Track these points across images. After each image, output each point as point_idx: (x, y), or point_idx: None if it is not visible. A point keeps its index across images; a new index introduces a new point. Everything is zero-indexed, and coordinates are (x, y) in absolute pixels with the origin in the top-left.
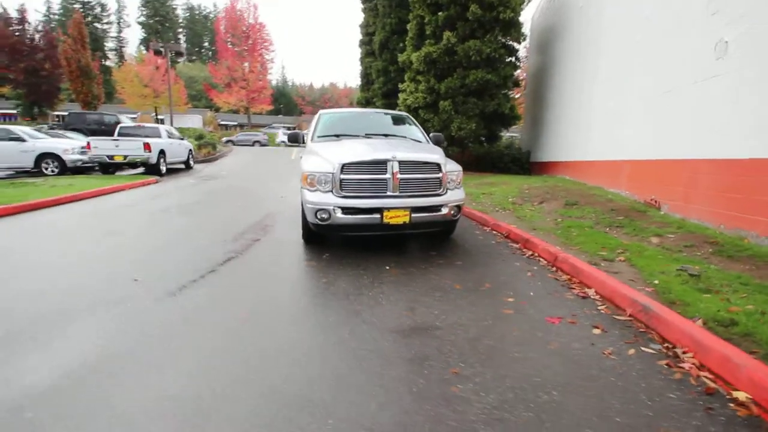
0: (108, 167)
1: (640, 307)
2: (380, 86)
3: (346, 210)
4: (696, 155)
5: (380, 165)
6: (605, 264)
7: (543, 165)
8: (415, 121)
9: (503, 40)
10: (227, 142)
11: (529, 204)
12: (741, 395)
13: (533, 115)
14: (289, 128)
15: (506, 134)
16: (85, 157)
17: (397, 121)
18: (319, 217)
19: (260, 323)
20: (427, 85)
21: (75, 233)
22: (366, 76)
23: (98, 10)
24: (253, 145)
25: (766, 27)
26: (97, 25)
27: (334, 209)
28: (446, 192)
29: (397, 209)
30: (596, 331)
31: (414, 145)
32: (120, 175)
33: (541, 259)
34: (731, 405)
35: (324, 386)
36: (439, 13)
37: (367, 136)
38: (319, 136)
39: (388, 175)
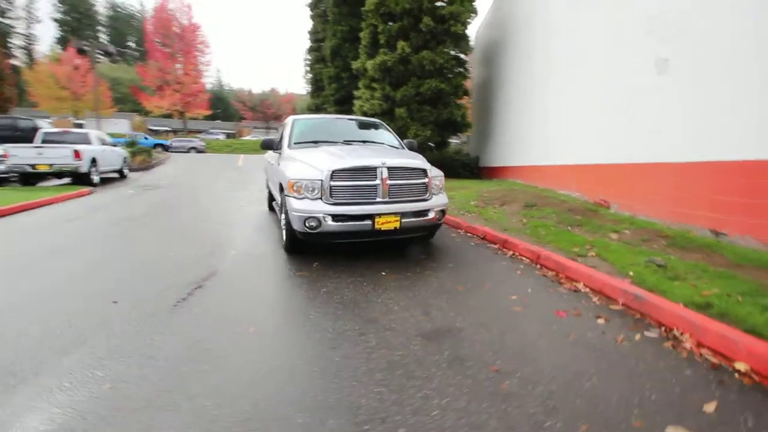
0: (29, 178)
1: (632, 296)
2: (333, 93)
3: (336, 217)
4: (641, 159)
5: (370, 171)
6: (581, 260)
7: (492, 169)
8: (389, 128)
9: (454, 52)
10: (155, 146)
11: (491, 207)
12: (741, 366)
13: (481, 123)
14: (228, 135)
15: (453, 141)
16: (1, 167)
17: (372, 127)
18: (308, 225)
19: (275, 340)
20: (383, 92)
21: (14, 255)
22: (316, 83)
23: (3, 4)
24: (188, 151)
25: (694, 46)
26: (1, 20)
27: (324, 217)
28: (431, 197)
29: (388, 215)
30: (600, 321)
31: (397, 151)
32: (44, 187)
33: (523, 258)
34: (736, 376)
35: (381, 398)
36: (392, 24)
37: (346, 142)
38: (296, 143)
39: (377, 182)
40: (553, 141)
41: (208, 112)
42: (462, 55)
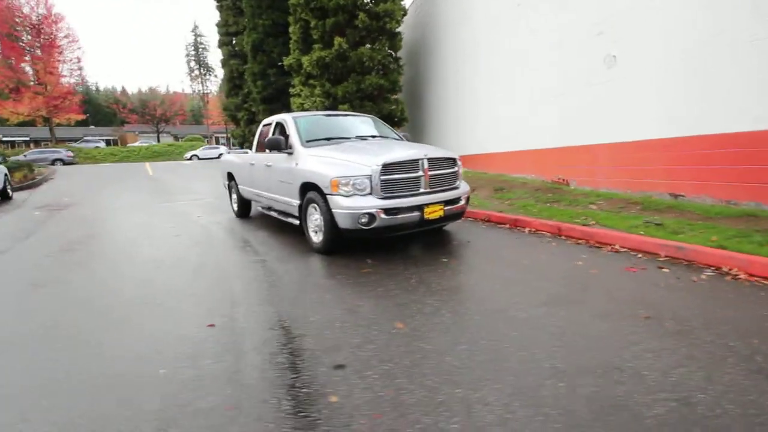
0: None
1: (674, 248)
2: (259, 90)
3: (388, 211)
4: (596, 141)
5: (414, 163)
6: (588, 227)
7: None
8: (386, 124)
9: (388, 50)
10: None
11: None
12: None
13: (415, 117)
14: (108, 142)
15: None
16: None
17: (371, 122)
18: (361, 222)
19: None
20: (323, 89)
21: None
22: (232, 80)
23: None
24: (53, 163)
25: (636, 46)
26: None
27: (377, 212)
28: (460, 184)
29: (434, 204)
30: (666, 270)
31: (418, 144)
32: None
33: (544, 233)
34: None
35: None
36: (327, 19)
37: (360, 138)
38: (308, 141)
39: (420, 173)
40: (503, 130)
41: (82, 117)
42: (394, 53)
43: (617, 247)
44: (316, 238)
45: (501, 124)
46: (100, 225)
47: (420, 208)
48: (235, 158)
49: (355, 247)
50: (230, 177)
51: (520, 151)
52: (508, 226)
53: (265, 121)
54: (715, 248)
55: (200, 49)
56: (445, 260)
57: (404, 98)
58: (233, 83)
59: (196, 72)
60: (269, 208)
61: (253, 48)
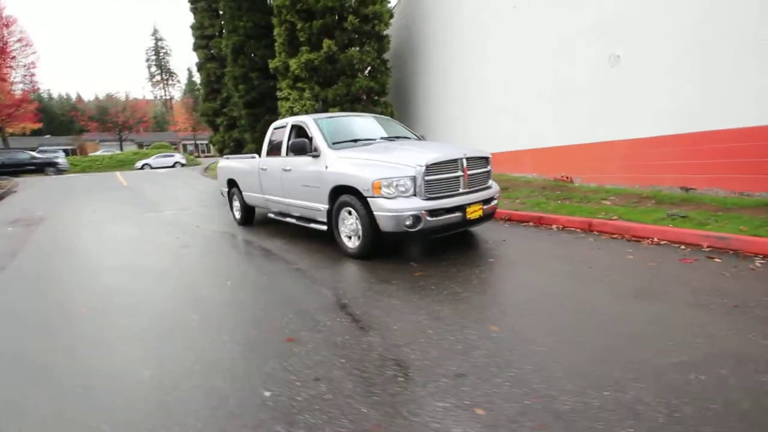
0: None
1: (715, 238)
2: (242, 94)
3: (433, 212)
4: (601, 139)
5: (454, 163)
6: (624, 221)
7: None
8: (402, 124)
9: (377, 52)
10: None
11: None
12: None
13: (401, 119)
14: (66, 152)
15: None
16: None
17: (393, 123)
18: (407, 224)
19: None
20: (312, 92)
21: None
22: (209, 84)
23: None
24: (42, 171)
25: (637, 46)
26: None
27: (422, 213)
28: (492, 184)
29: (475, 204)
30: (717, 261)
31: (448, 143)
32: None
33: (574, 229)
34: None
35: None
36: (314, 21)
37: (385, 139)
38: (334, 143)
39: (460, 173)
40: (502, 129)
41: (37, 125)
42: (383, 55)
43: (655, 239)
44: (351, 243)
45: (500, 123)
46: (94, 239)
47: (462, 208)
48: (237, 164)
49: (384, 251)
50: (231, 184)
51: (519, 151)
52: (532, 224)
53: (276, 124)
54: (759, 237)
55: (161, 54)
56: (491, 260)
57: (391, 101)
58: (210, 87)
59: (158, 77)
60: (283, 215)
61: (234, 51)
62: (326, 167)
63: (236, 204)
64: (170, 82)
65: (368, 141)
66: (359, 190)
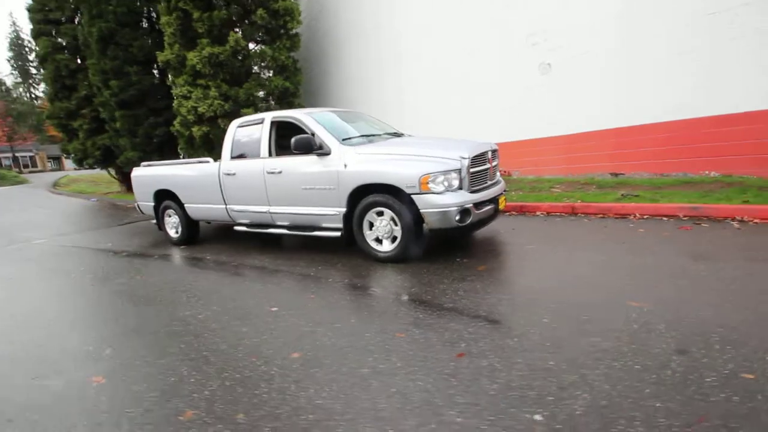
0: None
1: (690, 209)
2: (115, 92)
3: (477, 205)
4: (537, 136)
5: (485, 155)
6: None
7: None
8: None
9: (289, 51)
10: None
11: None
12: None
13: None
14: None
15: None
16: None
17: (373, 119)
18: (458, 219)
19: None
20: (219, 91)
21: None
22: (59, 80)
23: None
24: None
25: (568, 56)
26: None
27: (471, 207)
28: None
29: (503, 195)
30: (705, 225)
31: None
32: None
33: (560, 214)
34: None
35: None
36: (214, 12)
37: (390, 134)
38: (344, 139)
39: (488, 165)
40: (435, 132)
41: None
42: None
43: (637, 215)
44: (383, 246)
45: (434, 124)
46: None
47: (495, 200)
48: (173, 171)
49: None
50: (161, 196)
51: None
52: (515, 212)
53: (241, 121)
54: (720, 204)
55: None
56: (531, 246)
57: (304, 104)
58: (61, 84)
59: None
60: (262, 226)
61: (102, 40)
62: (345, 166)
63: (173, 220)
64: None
65: (373, 136)
66: (400, 188)
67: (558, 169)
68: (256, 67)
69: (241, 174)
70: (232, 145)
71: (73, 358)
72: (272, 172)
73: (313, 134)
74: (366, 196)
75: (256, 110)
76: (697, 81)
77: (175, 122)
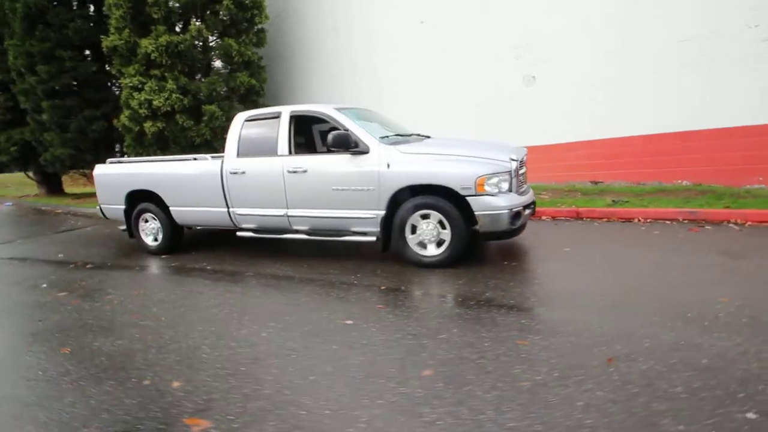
0: None
1: (688, 213)
2: (45, 79)
3: (526, 207)
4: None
5: (524, 159)
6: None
7: None
8: None
9: (255, 47)
10: None
11: None
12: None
13: None
14: None
15: None
16: None
17: (390, 119)
18: (510, 221)
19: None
20: (177, 83)
21: None
22: None
23: None
24: None
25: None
26: None
27: (522, 209)
28: None
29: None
30: (708, 228)
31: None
32: None
33: (564, 218)
34: None
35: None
36: None
37: (418, 135)
38: (382, 137)
39: (525, 169)
40: None
41: None
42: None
43: (640, 219)
44: (428, 251)
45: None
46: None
47: (533, 204)
48: (156, 169)
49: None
50: (135, 198)
51: None
52: None
53: (250, 114)
54: (713, 209)
55: None
56: (567, 249)
57: (268, 103)
58: None
59: None
60: (273, 230)
61: (28, 18)
62: (388, 166)
63: (151, 226)
64: None
65: (405, 136)
66: (453, 189)
67: (539, 176)
68: (218, 62)
69: (252, 173)
70: (239, 141)
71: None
72: (294, 171)
73: (346, 131)
74: (409, 198)
75: (219, 108)
76: (670, 100)
77: (121, 116)
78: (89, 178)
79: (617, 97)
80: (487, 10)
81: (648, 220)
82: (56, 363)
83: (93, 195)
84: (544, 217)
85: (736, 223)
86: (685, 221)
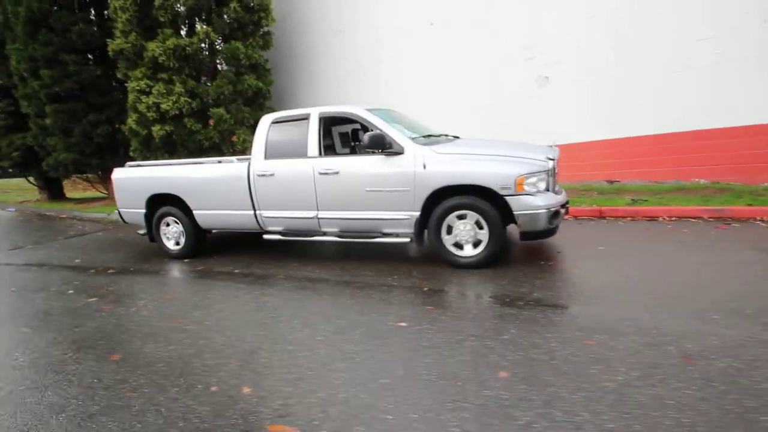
0: None
1: (713, 211)
2: (48, 83)
3: (562, 206)
4: None
5: (557, 159)
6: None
7: None
8: None
9: (261, 50)
10: None
11: None
12: None
13: None
14: None
15: None
16: None
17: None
18: (549, 221)
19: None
20: (185, 86)
21: None
22: None
23: None
24: None
25: (566, 69)
26: None
27: (559, 208)
28: None
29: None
30: (737, 225)
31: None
32: None
33: (587, 217)
34: None
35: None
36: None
37: (446, 135)
38: (413, 138)
39: (557, 168)
40: None
41: None
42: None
43: (665, 218)
44: (465, 251)
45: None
46: None
47: (567, 203)
48: (179, 172)
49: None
50: (156, 202)
51: None
52: None
53: (276, 117)
54: (740, 206)
55: None
56: (602, 248)
57: (275, 107)
58: None
59: None
60: (302, 232)
61: (31, 22)
62: (424, 166)
63: (173, 230)
64: None
65: (435, 136)
66: (492, 189)
67: (562, 177)
68: (224, 64)
69: (282, 175)
70: (266, 143)
71: None
72: (326, 173)
73: (380, 131)
74: (445, 199)
75: (227, 111)
76: (687, 98)
77: (129, 120)
78: (91, 183)
79: (629, 96)
80: (494, 10)
81: (673, 219)
82: (110, 371)
83: (96, 200)
84: (566, 217)
85: (762, 221)
86: (711, 219)
